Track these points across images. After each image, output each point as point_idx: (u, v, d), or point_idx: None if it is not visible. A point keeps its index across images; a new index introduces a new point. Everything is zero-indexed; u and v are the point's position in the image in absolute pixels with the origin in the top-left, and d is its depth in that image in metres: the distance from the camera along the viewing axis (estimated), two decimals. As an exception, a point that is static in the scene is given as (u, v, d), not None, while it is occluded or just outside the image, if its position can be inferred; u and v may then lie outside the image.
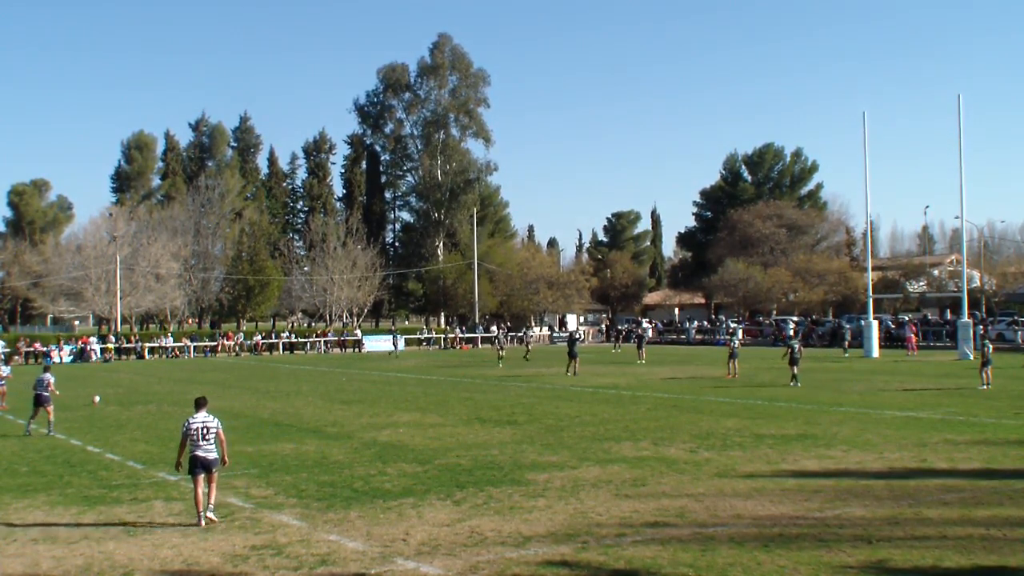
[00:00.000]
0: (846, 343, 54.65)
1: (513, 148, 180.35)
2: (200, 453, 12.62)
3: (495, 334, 55.12)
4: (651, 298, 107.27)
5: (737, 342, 40.21)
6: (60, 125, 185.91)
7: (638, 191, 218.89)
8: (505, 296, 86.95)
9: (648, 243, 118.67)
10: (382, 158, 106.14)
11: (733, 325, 74.24)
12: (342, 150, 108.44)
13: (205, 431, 12.74)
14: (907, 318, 63.92)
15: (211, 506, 12.80)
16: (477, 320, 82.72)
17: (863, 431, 20.34)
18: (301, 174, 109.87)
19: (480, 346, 75.63)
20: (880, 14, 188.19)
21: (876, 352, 50.52)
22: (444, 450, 18.67)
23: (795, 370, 32.42)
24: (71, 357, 59.46)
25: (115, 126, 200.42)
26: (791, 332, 63.35)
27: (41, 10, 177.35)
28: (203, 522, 12.46)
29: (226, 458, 13.26)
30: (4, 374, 29.11)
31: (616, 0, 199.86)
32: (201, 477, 12.56)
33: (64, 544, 11.56)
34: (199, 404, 13.12)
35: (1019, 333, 59.28)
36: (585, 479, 15.23)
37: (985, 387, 29.89)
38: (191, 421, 12.80)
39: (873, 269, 66.54)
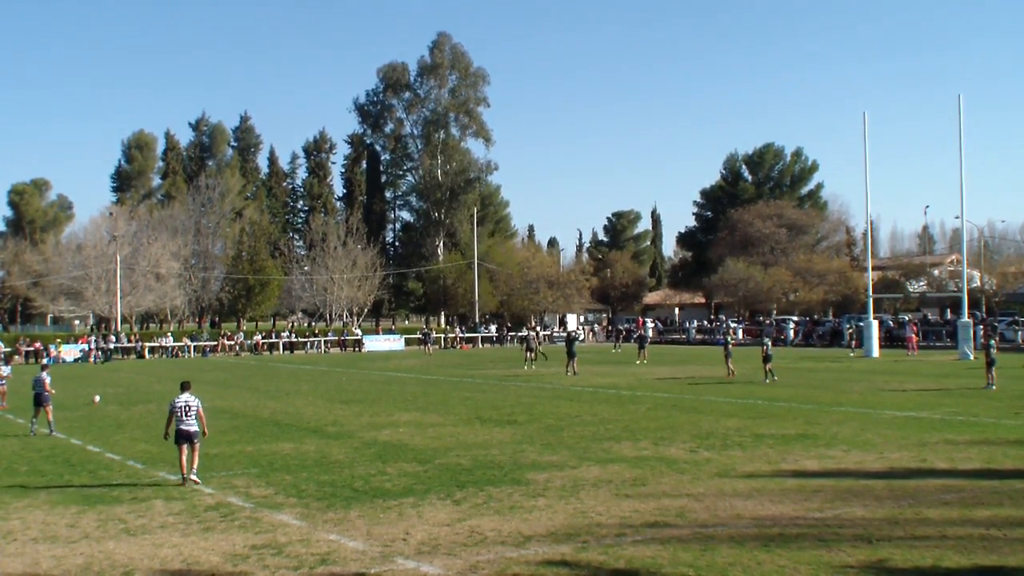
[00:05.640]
0: (853, 343, 54.77)
1: (513, 148, 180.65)
2: (183, 427, 15.08)
3: (527, 334, 53.04)
4: (651, 298, 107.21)
5: (731, 340, 40.59)
6: (60, 125, 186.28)
7: (638, 191, 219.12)
8: (505, 296, 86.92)
9: (648, 243, 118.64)
10: (382, 158, 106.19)
11: (732, 324, 74.27)
12: (342, 150, 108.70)
13: (187, 408, 15.17)
14: (907, 318, 63.89)
15: (194, 470, 15.19)
16: (477, 320, 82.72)
17: (863, 431, 20.33)
18: (301, 174, 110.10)
19: (481, 346, 75.66)
20: (880, 14, 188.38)
21: (876, 352, 50.50)
22: (444, 450, 18.67)
23: (768, 367, 33.38)
24: (80, 355, 59.49)
25: (115, 126, 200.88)
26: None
27: (41, 10, 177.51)
28: (187, 483, 14.93)
29: (206, 430, 15.57)
30: (4, 374, 29.12)
31: (616, 0, 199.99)
32: (184, 447, 15.12)
33: (64, 544, 11.56)
34: (184, 387, 15.64)
35: (1020, 333, 59.27)
36: (585, 479, 15.23)
37: (992, 387, 29.87)
38: (176, 400, 15.30)
39: (873, 269, 66.49)
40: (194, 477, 15.14)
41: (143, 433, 22.10)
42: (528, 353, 44.85)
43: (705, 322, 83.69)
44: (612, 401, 28.05)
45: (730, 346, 38.29)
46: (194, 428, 15.16)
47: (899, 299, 75.28)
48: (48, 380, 22.22)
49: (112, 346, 62.22)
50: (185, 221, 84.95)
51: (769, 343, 35.86)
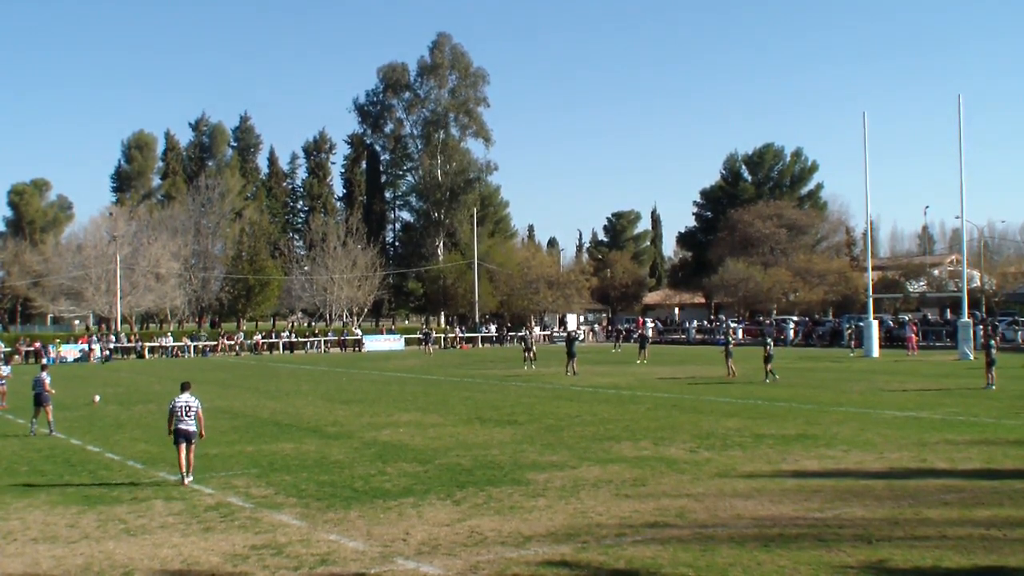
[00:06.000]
0: (852, 343, 54.90)
1: (513, 148, 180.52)
2: (183, 426, 15.34)
3: (524, 334, 53.02)
4: (651, 298, 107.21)
5: (732, 340, 40.66)
6: (60, 125, 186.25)
7: (638, 191, 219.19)
8: (505, 296, 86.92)
9: (648, 243, 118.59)
10: (382, 158, 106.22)
11: (732, 324, 74.25)
12: (342, 150, 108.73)
13: (187, 409, 15.44)
14: (907, 318, 63.89)
15: (190, 473, 15.40)
16: (477, 320, 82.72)
17: (863, 431, 20.33)
18: (301, 174, 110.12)
19: (481, 345, 75.65)
20: (880, 14, 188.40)
21: (876, 352, 50.50)
22: (444, 450, 18.67)
23: (769, 367, 33.57)
24: (80, 355, 59.58)
25: (115, 126, 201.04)
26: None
27: (41, 10, 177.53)
28: (185, 482, 15.16)
29: (203, 432, 15.75)
30: (4, 374, 29.11)
31: (616, 0, 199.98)
32: (183, 446, 15.32)
33: (64, 544, 11.56)
34: (184, 387, 15.92)
35: (1020, 333, 59.26)
36: (585, 479, 15.23)
37: (992, 387, 29.87)
38: (176, 400, 15.57)
39: (873, 269, 66.48)
40: (189, 479, 15.32)
41: (143, 433, 22.10)
42: (527, 353, 45.06)
43: (705, 322, 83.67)
44: (612, 401, 28.05)
45: (731, 346, 38.29)
46: (192, 428, 15.40)
47: (899, 299, 75.27)
48: (48, 380, 22.19)
49: (112, 346, 62.26)
50: (185, 221, 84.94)
51: (771, 343, 36.04)
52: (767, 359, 33.65)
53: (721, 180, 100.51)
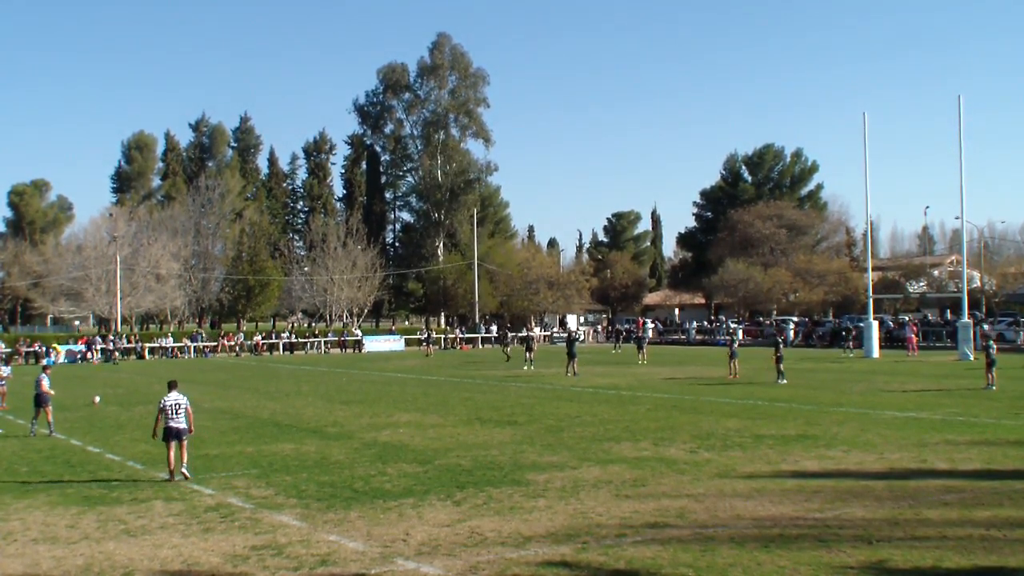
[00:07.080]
0: (851, 343, 54.87)
1: (513, 148, 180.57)
2: (173, 424, 15.70)
3: (527, 335, 53.22)
4: (651, 298, 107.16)
5: (737, 342, 40.62)
6: (60, 125, 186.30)
7: (638, 191, 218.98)
8: (505, 296, 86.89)
9: (648, 243, 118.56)
10: (382, 158, 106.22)
11: (733, 325, 74.25)
12: (342, 150, 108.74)
13: (177, 407, 15.80)
14: (907, 318, 63.88)
15: (184, 465, 15.78)
16: (477, 320, 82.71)
17: (863, 432, 20.34)
18: (301, 174, 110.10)
19: (481, 346, 75.64)
20: (880, 14, 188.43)
21: (876, 352, 50.51)
22: (444, 450, 18.67)
23: (780, 367, 33.85)
24: (79, 356, 59.65)
25: (115, 126, 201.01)
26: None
27: (41, 10, 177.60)
28: (174, 478, 15.54)
29: (192, 428, 16.09)
30: (4, 374, 29.10)
31: (616, 0, 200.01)
32: (173, 444, 15.67)
33: (64, 544, 11.56)
34: (171, 386, 16.22)
35: (1021, 333, 59.25)
36: (585, 479, 15.23)
37: (992, 387, 29.86)
38: (166, 399, 15.85)
39: (873, 269, 66.50)
40: (185, 471, 15.70)
41: (143, 434, 22.03)
42: (528, 353, 45.02)
43: (705, 323, 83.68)
44: (612, 402, 28.05)
45: (735, 346, 38.22)
46: (183, 425, 15.80)
47: (899, 300, 75.29)
48: (47, 381, 22.18)
49: (112, 347, 62.22)
50: (185, 222, 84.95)
51: (782, 343, 36.10)
52: (779, 359, 33.87)
53: (721, 180, 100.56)
